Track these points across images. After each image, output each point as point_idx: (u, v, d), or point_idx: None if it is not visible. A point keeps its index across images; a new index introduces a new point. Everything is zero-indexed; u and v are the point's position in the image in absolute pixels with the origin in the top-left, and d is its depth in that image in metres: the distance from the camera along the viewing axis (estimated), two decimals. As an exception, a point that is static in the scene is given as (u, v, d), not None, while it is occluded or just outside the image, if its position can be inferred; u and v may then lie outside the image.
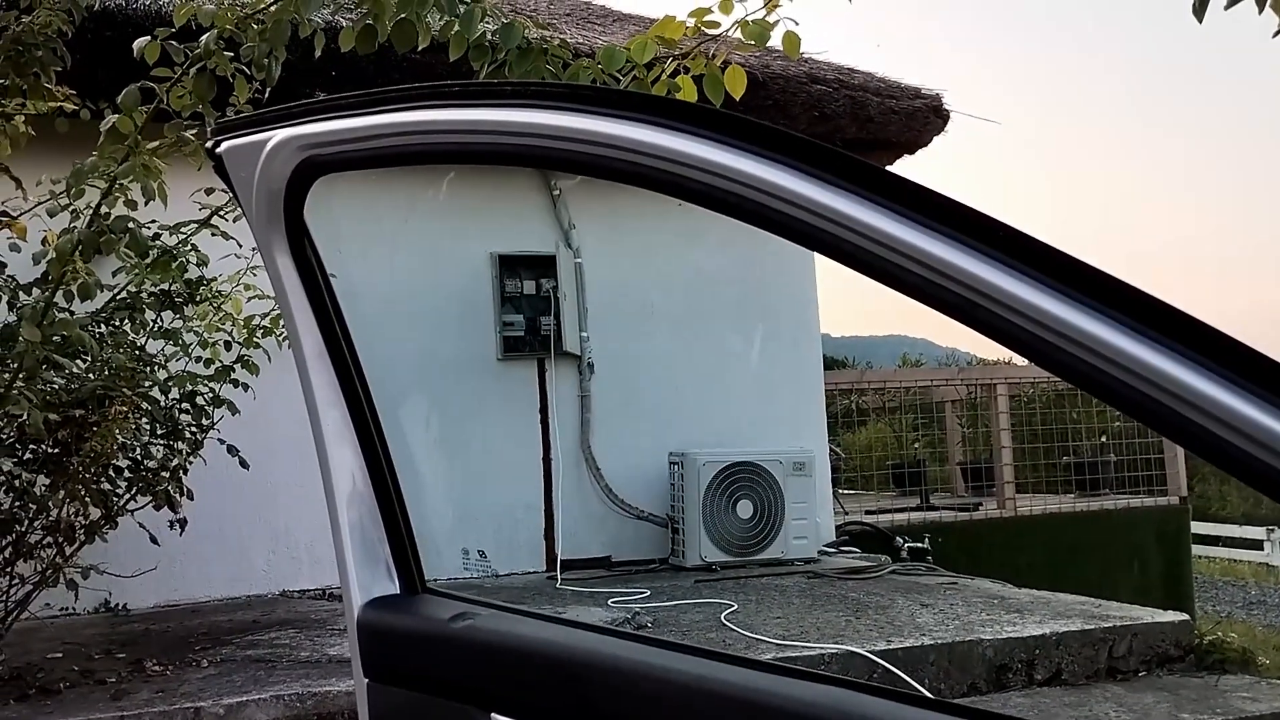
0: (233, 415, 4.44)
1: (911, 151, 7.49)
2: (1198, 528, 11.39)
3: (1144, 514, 8.40)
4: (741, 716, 0.99)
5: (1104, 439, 9.41)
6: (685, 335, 6.66)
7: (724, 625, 4.57)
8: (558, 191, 6.46)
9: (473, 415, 6.26)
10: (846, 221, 0.87)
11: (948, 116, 7.33)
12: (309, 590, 5.74)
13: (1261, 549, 15.03)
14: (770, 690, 0.99)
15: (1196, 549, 11.29)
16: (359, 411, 1.34)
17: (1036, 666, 4.29)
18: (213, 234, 4.11)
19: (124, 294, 4.18)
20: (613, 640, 1.20)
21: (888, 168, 7.39)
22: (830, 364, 10.86)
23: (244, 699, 3.61)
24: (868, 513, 7.98)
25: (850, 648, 4.12)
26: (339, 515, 1.34)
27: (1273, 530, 14.75)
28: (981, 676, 4.22)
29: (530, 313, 6.35)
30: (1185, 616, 4.68)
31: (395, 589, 1.35)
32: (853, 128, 6.92)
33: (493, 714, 1.19)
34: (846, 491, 8.98)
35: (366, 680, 1.31)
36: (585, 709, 1.13)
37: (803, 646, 4.16)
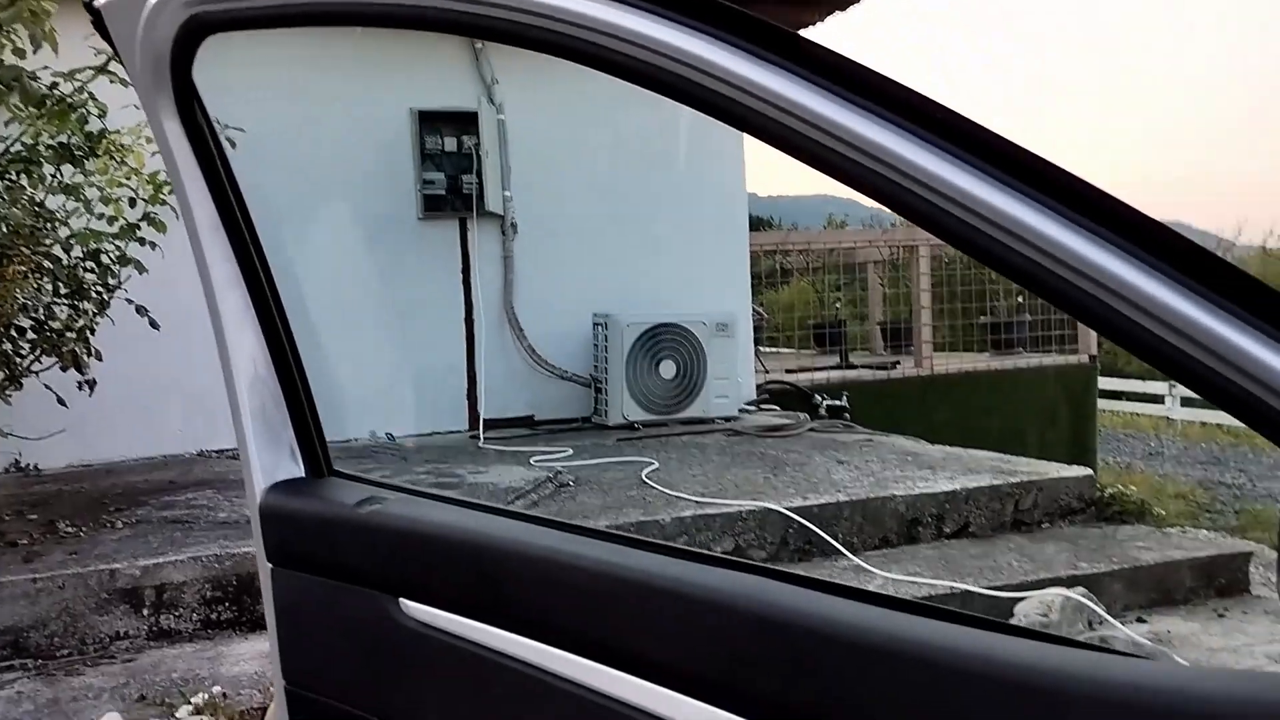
0: (140, 275, 4.30)
1: (844, 7, 7.31)
2: (1104, 383, 11.75)
3: (1055, 372, 8.64)
4: (652, 601, 0.99)
5: (1020, 299, 9.59)
6: (610, 195, 6.57)
7: (645, 483, 4.64)
8: (479, 45, 6.23)
9: (393, 275, 6.15)
10: (762, 93, 0.82)
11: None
12: (227, 450, 5.69)
13: (1162, 403, 15.66)
14: (681, 577, 0.99)
15: (1102, 403, 11.68)
16: (259, 290, 1.28)
17: (946, 520, 4.44)
18: (111, 81, 3.90)
19: (18, 147, 3.98)
20: (522, 525, 1.19)
21: (816, 25, 7.24)
22: (756, 224, 10.84)
23: (160, 561, 3.59)
24: (788, 371, 8.09)
25: (768, 505, 4.21)
26: (239, 399, 1.30)
27: (1174, 386, 15.33)
28: (893, 530, 4.36)
29: (451, 171, 6.19)
30: (1088, 471, 4.87)
31: (300, 472, 1.32)
32: (781, -22, 6.73)
33: (401, 599, 1.18)
34: (768, 350, 9.07)
35: (271, 566, 1.29)
36: (495, 593, 1.12)
37: (721, 504, 4.24)
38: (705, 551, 1.10)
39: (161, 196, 4.31)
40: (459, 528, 1.19)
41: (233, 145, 4.14)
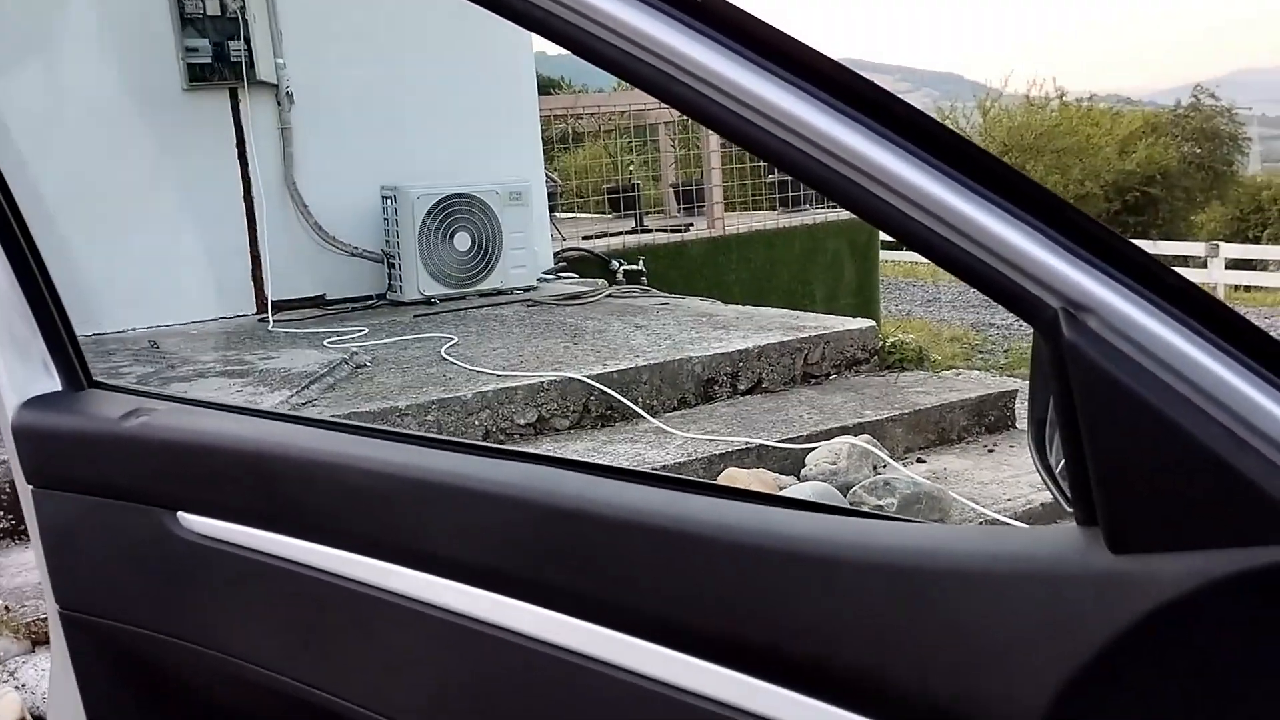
0: None
1: None
2: (885, 235, 12.30)
3: (840, 227, 8.92)
4: (438, 498, 0.99)
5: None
6: (391, 60, 6.28)
7: (444, 359, 4.59)
8: (235, -105, 5.76)
9: (161, 153, 5.75)
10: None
11: None
12: None
13: (940, 252, 16.54)
14: (465, 472, 0.99)
15: (884, 254, 12.21)
16: None
17: (740, 378, 4.59)
18: None
19: None
20: (298, 428, 1.15)
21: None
22: (546, 87, 10.64)
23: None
24: (585, 238, 8.09)
25: (569, 374, 4.25)
26: None
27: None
28: (691, 391, 4.48)
29: (217, 37, 5.77)
30: (871, 323, 5.10)
31: (56, 386, 1.24)
32: None
33: (179, 513, 1.14)
34: (564, 216, 9.03)
35: (31, 487, 1.22)
36: (274, 499, 1.09)
37: (523, 375, 4.25)
38: (489, 444, 1.09)
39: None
40: (232, 435, 1.14)
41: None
